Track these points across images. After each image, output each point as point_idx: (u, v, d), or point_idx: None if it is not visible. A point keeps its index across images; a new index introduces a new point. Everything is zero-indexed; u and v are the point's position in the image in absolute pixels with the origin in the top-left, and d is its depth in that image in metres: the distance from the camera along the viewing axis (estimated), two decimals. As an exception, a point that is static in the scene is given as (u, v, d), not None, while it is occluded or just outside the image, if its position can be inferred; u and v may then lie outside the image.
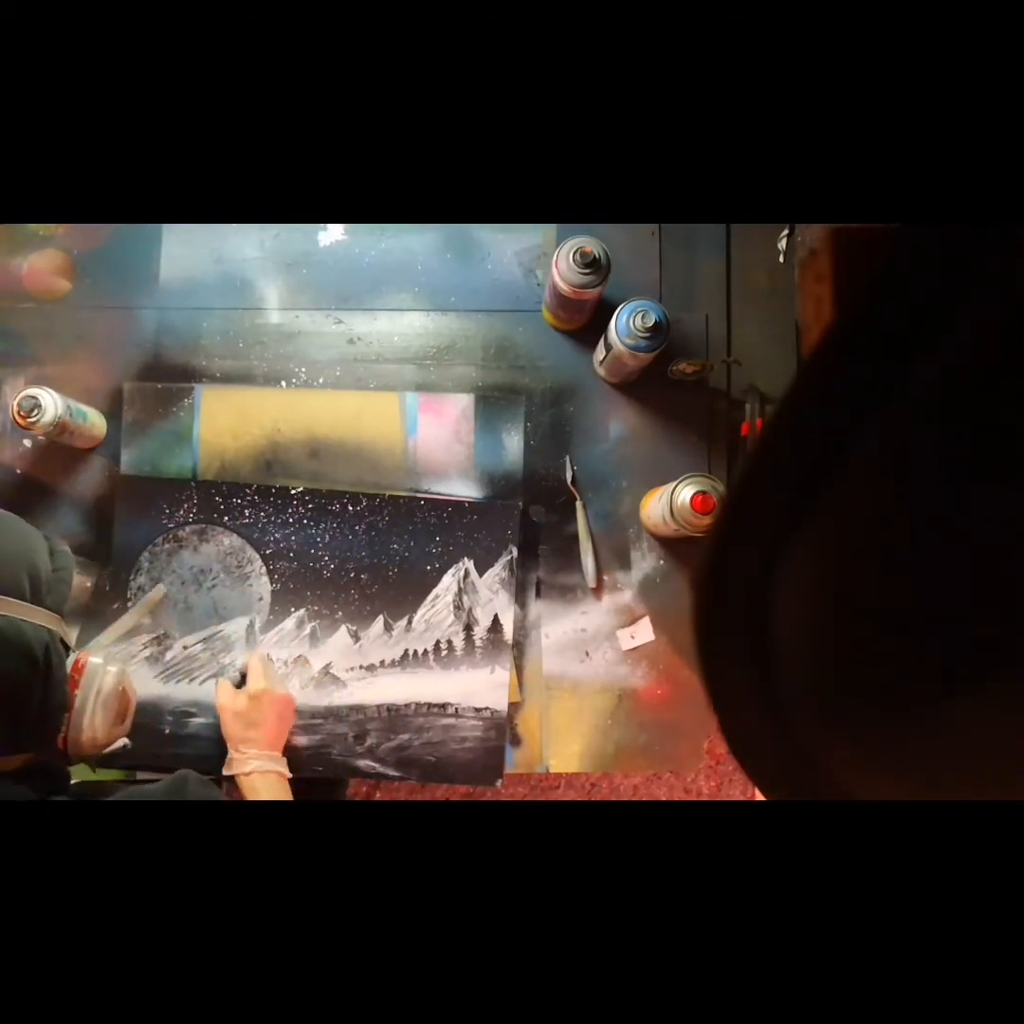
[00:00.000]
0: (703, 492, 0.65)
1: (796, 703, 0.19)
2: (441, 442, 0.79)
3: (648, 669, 0.79)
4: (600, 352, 0.76)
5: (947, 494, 0.15)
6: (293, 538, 0.77)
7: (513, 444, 0.79)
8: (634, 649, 0.79)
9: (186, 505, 0.77)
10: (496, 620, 0.77)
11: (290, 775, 0.70)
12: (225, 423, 0.78)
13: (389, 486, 0.79)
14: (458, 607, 0.78)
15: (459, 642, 0.77)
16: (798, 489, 0.17)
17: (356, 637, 0.78)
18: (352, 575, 0.78)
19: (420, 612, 0.78)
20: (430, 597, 0.78)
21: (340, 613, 0.78)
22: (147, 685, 0.76)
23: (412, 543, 0.78)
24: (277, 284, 0.80)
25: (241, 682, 0.74)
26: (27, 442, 0.78)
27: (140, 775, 0.77)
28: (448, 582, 0.78)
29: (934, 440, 0.15)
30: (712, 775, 1.40)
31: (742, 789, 1.38)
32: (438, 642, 0.77)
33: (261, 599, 0.78)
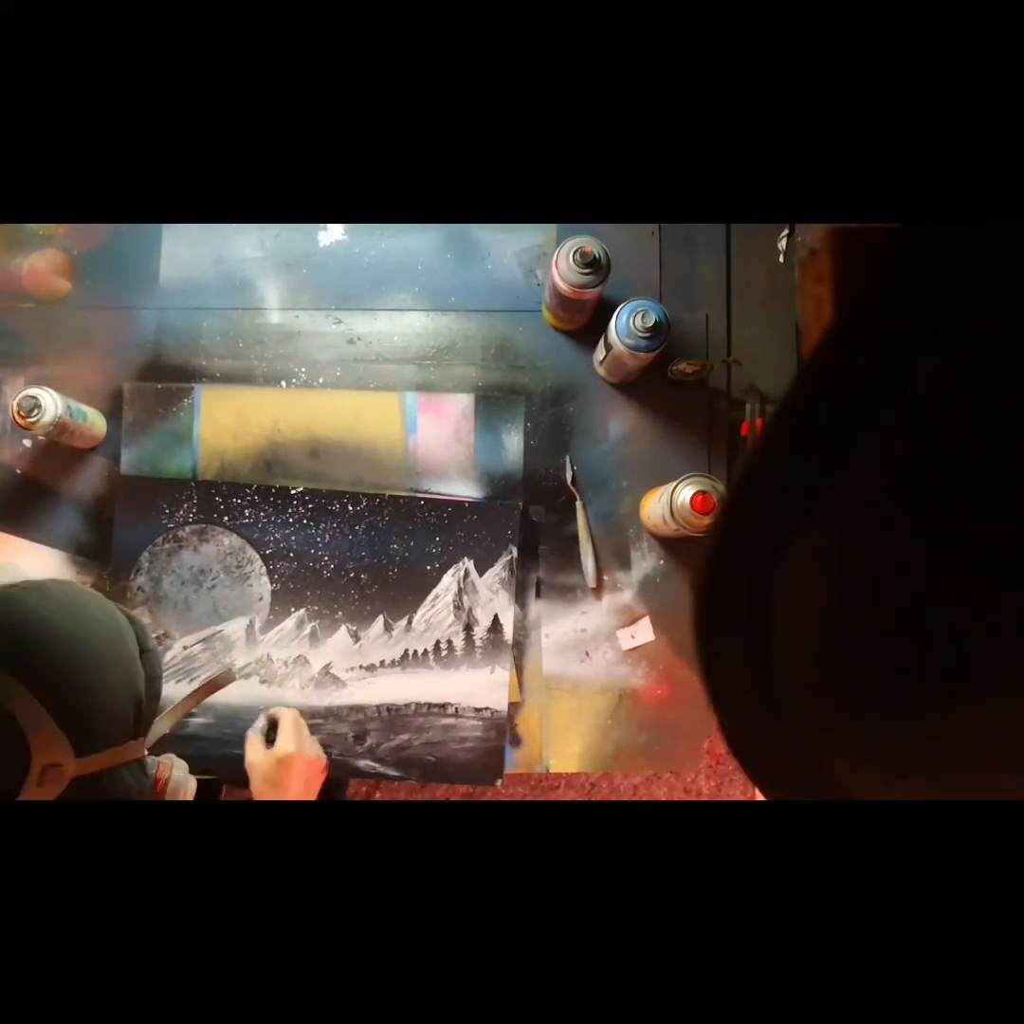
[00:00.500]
0: (703, 492, 0.65)
1: (796, 703, 0.19)
2: (441, 442, 0.79)
3: (648, 669, 0.79)
4: (600, 352, 0.76)
5: (947, 494, 0.15)
6: (293, 538, 0.78)
7: (513, 444, 0.79)
8: (634, 649, 0.79)
9: (186, 505, 0.77)
10: (496, 620, 0.78)
11: None
12: (225, 423, 0.78)
13: (389, 486, 0.79)
14: (458, 607, 0.78)
15: (459, 642, 0.77)
16: (798, 489, 0.17)
17: (356, 637, 0.78)
18: (352, 575, 0.78)
19: (420, 612, 0.78)
20: (430, 597, 0.78)
21: (340, 613, 0.78)
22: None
23: (412, 543, 0.78)
24: (277, 284, 0.80)
25: (269, 731, 0.73)
26: (27, 442, 0.78)
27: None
28: (448, 582, 0.78)
29: (934, 440, 0.15)
30: (712, 775, 1.40)
31: (742, 789, 1.38)
32: (438, 642, 0.77)
33: (261, 599, 0.78)
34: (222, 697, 0.76)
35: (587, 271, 0.68)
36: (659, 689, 0.78)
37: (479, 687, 0.77)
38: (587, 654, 0.79)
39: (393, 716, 0.77)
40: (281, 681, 0.77)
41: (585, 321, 0.78)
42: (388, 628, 0.78)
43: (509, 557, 0.78)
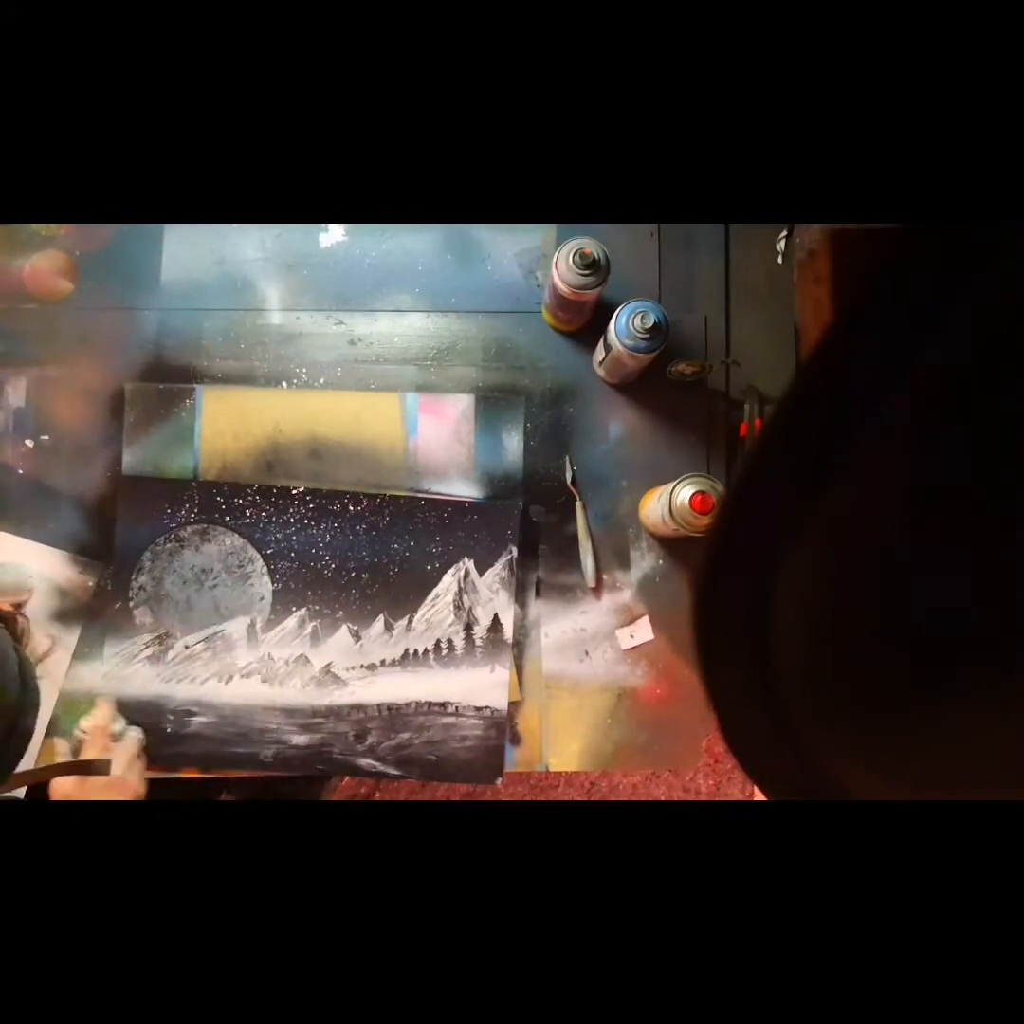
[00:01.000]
0: (702, 492, 0.65)
1: (795, 702, 0.19)
2: (441, 442, 0.79)
3: (647, 668, 0.79)
4: (600, 353, 0.76)
5: (946, 493, 0.15)
6: (294, 538, 0.78)
7: (513, 444, 0.79)
8: (634, 648, 0.79)
9: (187, 505, 0.77)
10: (496, 619, 0.78)
11: None
12: (226, 423, 0.78)
13: (390, 486, 0.79)
14: (458, 607, 0.78)
15: (459, 641, 0.78)
16: (797, 489, 0.17)
17: (357, 636, 0.78)
18: (353, 575, 0.78)
19: (420, 611, 0.78)
20: (430, 597, 0.78)
21: (341, 612, 0.78)
22: (148, 685, 0.76)
23: (412, 543, 0.78)
24: (278, 285, 0.80)
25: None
26: (29, 442, 0.78)
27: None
28: (448, 582, 0.78)
29: (933, 440, 0.15)
30: (711, 774, 1.40)
31: (741, 788, 1.38)
32: (438, 641, 0.78)
33: (262, 599, 0.78)
34: (223, 697, 0.77)
35: (587, 272, 0.68)
36: (658, 688, 0.79)
37: (479, 686, 0.77)
38: (587, 653, 0.79)
39: (393, 715, 0.77)
40: (282, 680, 0.77)
41: (585, 322, 0.78)
42: (389, 627, 0.78)
43: (509, 557, 0.78)
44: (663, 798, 1.38)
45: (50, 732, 0.76)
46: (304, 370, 0.79)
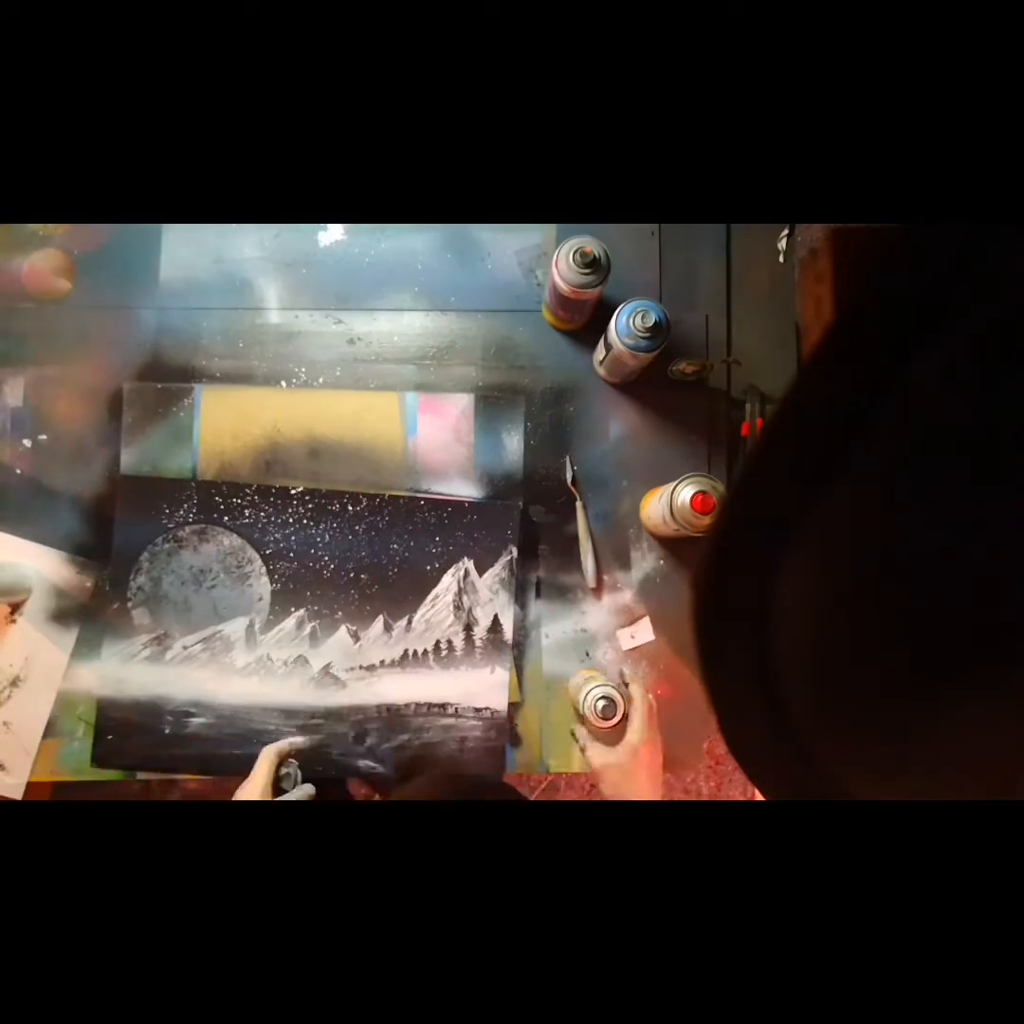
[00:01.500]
0: (703, 492, 0.65)
1: (795, 703, 0.19)
2: (441, 442, 0.79)
3: (648, 669, 0.79)
4: (600, 352, 0.76)
5: (948, 493, 0.15)
6: (293, 538, 0.78)
7: (513, 444, 0.79)
8: (634, 649, 0.79)
9: (186, 505, 0.77)
10: (496, 620, 0.78)
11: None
12: (225, 423, 0.78)
13: (389, 486, 0.79)
14: (458, 607, 0.78)
15: (459, 642, 0.77)
16: (798, 489, 0.17)
17: (356, 637, 0.78)
18: (352, 575, 0.78)
19: (420, 612, 0.78)
20: (430, 597, 0.78)
21: (340, 613, 0.78)
22: (146, 686, 0.76)
23: (412, 543, 0.78)
24: (277, 284, 0.80)
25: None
26: (27, 441, 0.78)
27: (139, 775, 0.77)
28: (448, 582, 0.78)
29: (934, 439, 0.15)
30: (711, 775, 1.40)
31: (742, 789, 1.38)
32: (438, 642, 0.77)
33: (261, 599, 0.78)
34: (222, 698, 0.76)
35: (587, 271, 0.68)
36: (659, 689, 0.78)
37: (479, 687, 0.77)
38: (587, 654, 0.79)
39: (393, 716, 0.77)
40: (281, 681, 0.77)
41: (585, 321, 0.78)
42: (388, 628, 0.78)
43: (509, 557, 0.78)
44: (664, 799, 1.38)
45: (48, 734, 0.76)
46: (303, 369, 0.79)
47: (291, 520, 0.77)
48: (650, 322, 0.68)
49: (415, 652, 0.77)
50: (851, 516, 0.17)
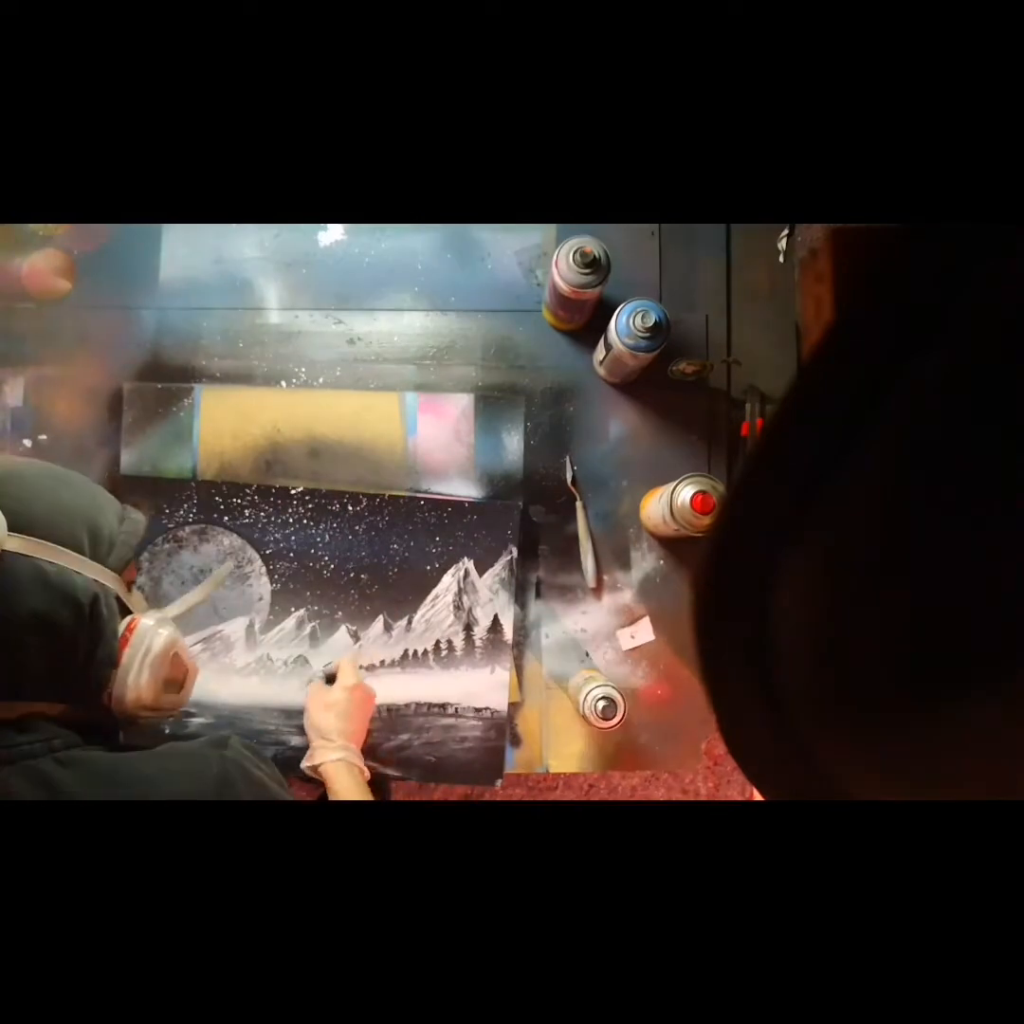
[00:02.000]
0: (703, 492, 0.65)
1: (795, 703, 0.19)
2: (441, 442, 0.79)
3: (648, 669, 0.79)
4: (600, 352, 0.76)
5: (948, 494, 0.15)
6: (293, 538, 0.77)
7: (513, 444, 0.79)
8: (634, 649, 0.79)
9: (186, 505, 0.77)
10: (496, 620, 0.77)
11: (369, 775, 0.70)
12: (225, 423, 0.78)
13: (389, 486, 0.79)
14: (458, 607, 0.78)
15: (459, 642, 0.77)
16: (798, 489, 0.17)
17: (356, 637, 0.78)
18: (352, 575, 0.78)
19: (420, 612, 0.78)
20: (430, 597, 0.78)
21: (340, 613, 0.78)
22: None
23: (412, 543, 0.78)
24: (277, 284, 0.80)
25: (329, 680, 0.76)
26: (27, 441, 0.78)
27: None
28: (448, 582, 0.78)
29: (934, 439, 0.15)
30: (710, 775, 1.40)
31: (740, 789, 1.38)
32: (438, 642, 0.77)
33: (261, 599, 0.78)
34: (222, 698, 0.76)
35: (587, 271, 0.68)
36: (659, 689, 0.78)
37: (479, 687, 0.77)
38: (587, 654, 0.79)
39: (393, 716, 0.77)
40: (281, 681, 0.77)
41: (585, 321, 0.78)
42: (388, 628, 0.78)
43: (509, 557, 0.78)
44: (662, 800, 1.38)
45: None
46: (303, 369, 0.79)
47: (291, 520, 0.77)
48: (650, 322, 0.68)
49: (415, 652, 0.77)
50: (851, 516, 0.17)
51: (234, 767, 0.53)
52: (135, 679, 0.56)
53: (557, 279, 0.70)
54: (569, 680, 0.78)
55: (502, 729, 0.77)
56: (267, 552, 0.77)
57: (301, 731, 0.76)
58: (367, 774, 0.70)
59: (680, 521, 0.66)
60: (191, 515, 0.77)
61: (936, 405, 0.15)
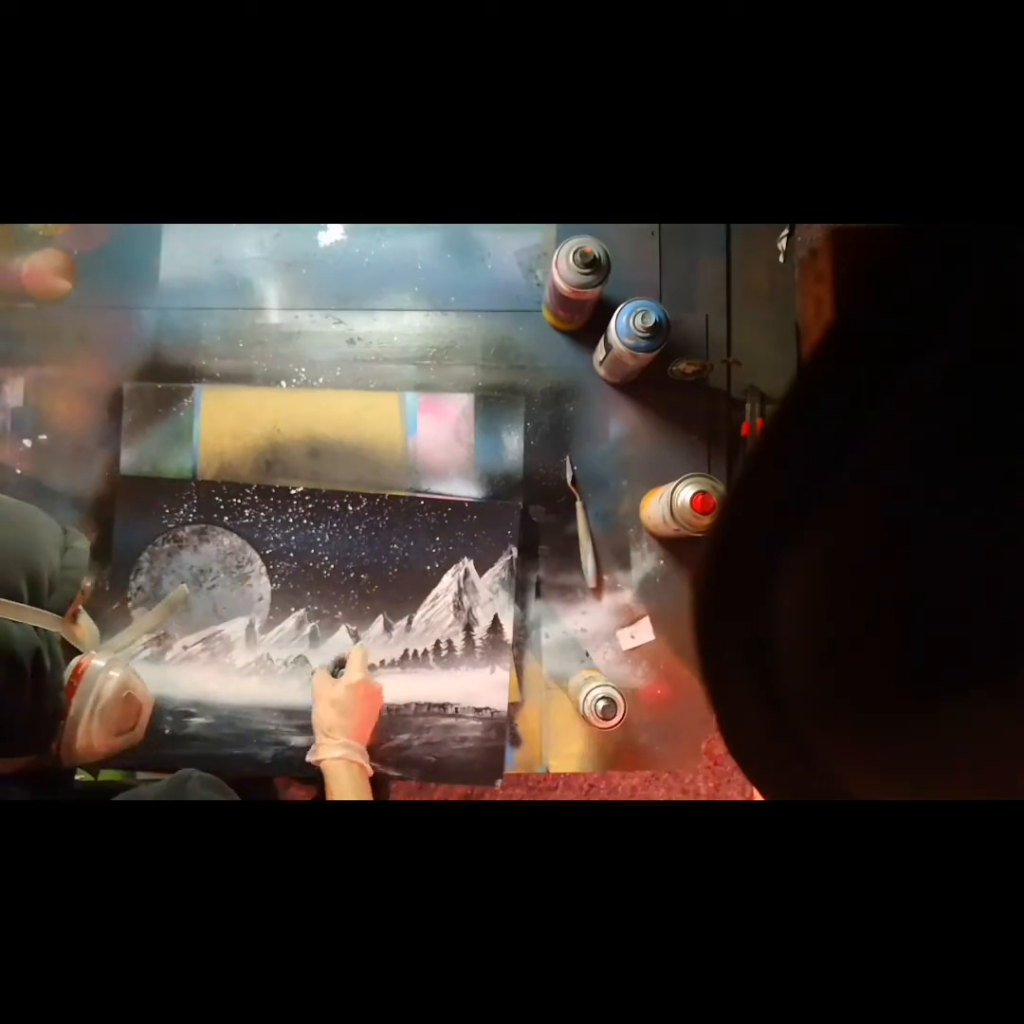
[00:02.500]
0: (703, 492, 0.65)
1: (795, 703, 0.19)
2: (441, 442, 0.79)
3: (648, 669, 0.79)
4: (600, 352, 0.76)
5: (948, 494, 0.15)
6: (293, 538, 0.77)
7: (513, 444, 0.79)
8: (634, 649, 0.79)
9: (186, 505, 0.77)
10: (496, 620, 0.77)
11: (371, 771, 0.70)
12: (225, 423, 0.78)
13: (389, 486, 0.79)
14: (458, 607, 0.78)
15: (459, 642, 0.77)
16: (798, 489, 0.17)
17: (356, 637, 0.78)
18: (352, 575, 0.78)
19: (420, 612, 0.78)
20: (430, 597, 0.78)
21: (340, 613, 0.78)
22: (147, 685, 0.76)
23: (412, 543, 0.78)
24: (277, 284, 0.80)
25: (336, 669, 0.76)
26: (27, 441, 0.78)
27: (139, 775, 0.77)
28: (448, 582, 0.78)
29: (934, 439, 0.15)
30: (710, 775, 1.40)
31: (740, 789, 1.38)
32: (438, 642, 0.77)
33: (261, 599, 0.78)
34: (221, 698, 0.76)
35: (587, 271, 0.68)
36: (659, 689, 0.78)
37: (479, 687, 0.77)
38: (587, 654, 0.79)
39: (393, 716, 0.77)
40: (281, 681, 0.77)
41: (585, 321, 0.78)
42: (388, 628, 0.78)
43: (509, 557, 0.78)
44: (662, 799, 1.38)
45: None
46: (303, 369, 0.79)
47: (291, 520, 0.77)
48: (650, 322, 0.68)
49: (415, 652, 0.77)
50: (851, 516, 0.17)
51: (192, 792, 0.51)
52: (85, 729, 0.53)
53: (557, 279, 0.70)
54: (569, 680, 0.78)
55: (502, 729, 0.77)
56: (267, 552, 0.77)
57: (301, 731, 0.76)
58: (370, 771, 0.70)
59: (680, 521, 0.66)
60: (191, 515, 0.77)
61: (936, 405, 0.15)
